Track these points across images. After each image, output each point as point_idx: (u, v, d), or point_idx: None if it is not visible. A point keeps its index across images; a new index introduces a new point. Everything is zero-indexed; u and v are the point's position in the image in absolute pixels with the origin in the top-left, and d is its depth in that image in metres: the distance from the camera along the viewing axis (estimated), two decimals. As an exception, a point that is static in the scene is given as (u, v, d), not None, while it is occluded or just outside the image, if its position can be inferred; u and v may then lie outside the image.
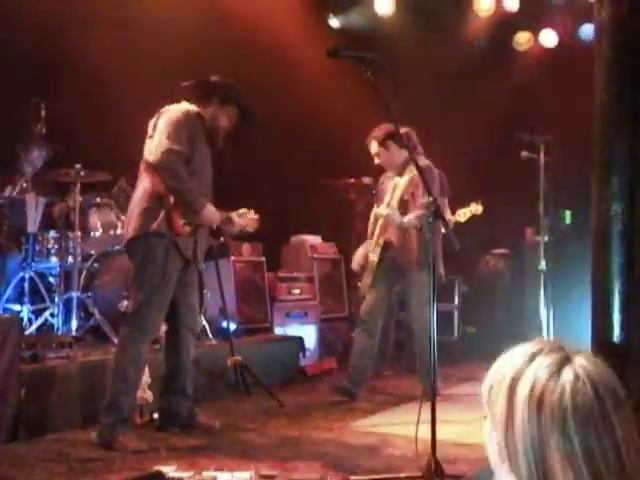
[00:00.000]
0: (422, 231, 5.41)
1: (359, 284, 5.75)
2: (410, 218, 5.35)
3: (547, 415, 1.06)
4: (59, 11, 6.12)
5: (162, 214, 4.13)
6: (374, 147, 5.59)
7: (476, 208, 5.87)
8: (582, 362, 1.09)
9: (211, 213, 4.25)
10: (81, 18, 6.35)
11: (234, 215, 4.48)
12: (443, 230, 5.61)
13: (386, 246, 5.53)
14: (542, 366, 1.09)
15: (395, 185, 5.59)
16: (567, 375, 1.07)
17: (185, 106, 4.33)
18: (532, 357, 1.12)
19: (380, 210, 5.54)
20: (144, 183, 4.23)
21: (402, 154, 5.51)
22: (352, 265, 5.81)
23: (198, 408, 4.62)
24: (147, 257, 4.15)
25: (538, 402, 1.07)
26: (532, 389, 1.08)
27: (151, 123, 4.28)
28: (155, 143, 4.14)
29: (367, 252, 5.65)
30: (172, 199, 4.14)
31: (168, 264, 4.14)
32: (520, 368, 1.12)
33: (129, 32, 6.54)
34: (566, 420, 1.05)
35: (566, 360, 1.09)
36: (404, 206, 5.46)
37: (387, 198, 5.59)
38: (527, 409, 1.08)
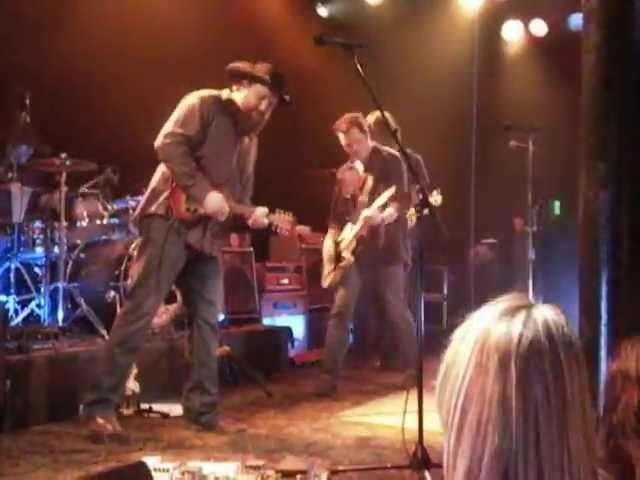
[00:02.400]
0: (398, 222, 5.43)
1: (328, 276, 5.62)
2: (390, 212, 5.32)
3: (490, 347, 1.00)
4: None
5: (164, 196, 4.11)
6: (349, 136, 5.48)
7: (435, 199, 5.60)
8: (540, 309, 1.04)
9: (215, 200, 4.09)
10: (65, 6, 6.29)
11: (258, 209, 4.32)
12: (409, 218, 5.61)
13: (359, 240, 5.48)
14: (500, 307, 1.04)
15: (363, 180, 5.51)
16: (520, 316, 1.01)
17: (209, 91, 4.26)
18: (495, 302, 1.06)
19: (365, 212, 5.42)
20: (160, 165, 4.24)
21: (369, 143, 5.47)
22: (324, 256, 5.70)
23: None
24: (148, 238, 4.14)
25: (484, 336, 1.01)
26: (484, 325, 1.03)
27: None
28: (164, 127, 4.14)
29: (334, 243, 5.57)
30: (174, 183, 4.12)
31: (167, 247, 4.06)
32: (481, 311, 1.06)
33: (113, 19, 6.47)
34: (508, 352, 0.99)
35: (523, 307, 1.03)
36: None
37: (363, 196, 5.50)
38: (471, 350, 1.02)
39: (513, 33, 9.19)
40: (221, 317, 6.18)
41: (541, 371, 0.99)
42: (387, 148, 5.54)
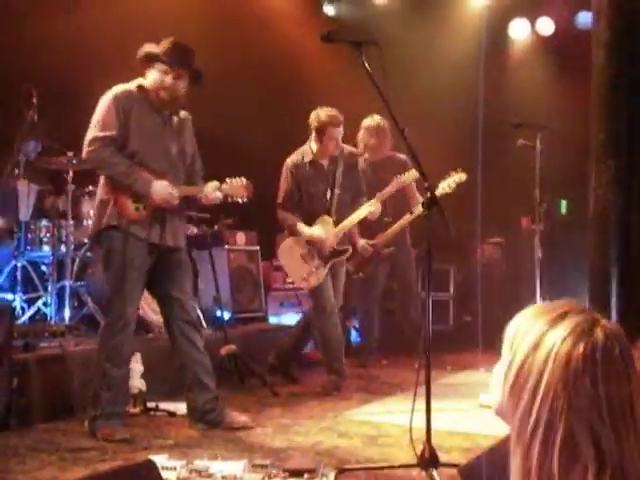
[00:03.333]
0: None
1: (318, 271, 5.46)
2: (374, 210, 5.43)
3: (578, 368, 1.08)
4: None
5: (110, 205, 4.03)
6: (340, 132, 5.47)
7: (459, 176, 5.68)
8: (608, 323, 1.14)
9: (160, 188, 4.03)
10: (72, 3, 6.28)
11: (208, 186, 4.24)
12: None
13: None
14: (573, 322, 1.13)
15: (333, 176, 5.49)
16: (599, 333, 1.11)
17: (119, 86, 4.16)
18: (563, 315, 1.14)
19: (371, 208, 5.44)
20: (101, 177, 4.18)
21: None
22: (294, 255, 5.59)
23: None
24: (109, 251, 4.06)
25: (568, 355, 1.09)
26: (563, 342, 1.11)
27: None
28: (86, 136, 4.06)
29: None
30: (117, 187, 4.02)
31: (129, 254, 3.99)
32: (546, 323, 1.14)
33: (119, 15, 6.46)
34: (596, 372, 1.08)
35: (598, 322, 1.13)
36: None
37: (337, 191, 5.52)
38: (553, 359, 1.10)
39: (520, 31, 9.15)
40: (227, 315, 6.20)
41: (621, 383, 1.09)
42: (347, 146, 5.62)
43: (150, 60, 4.15)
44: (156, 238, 4.09)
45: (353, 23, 8.60)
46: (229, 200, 4.34)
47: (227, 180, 4.29)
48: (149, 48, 4.18)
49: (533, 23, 9.09)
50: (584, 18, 8.48)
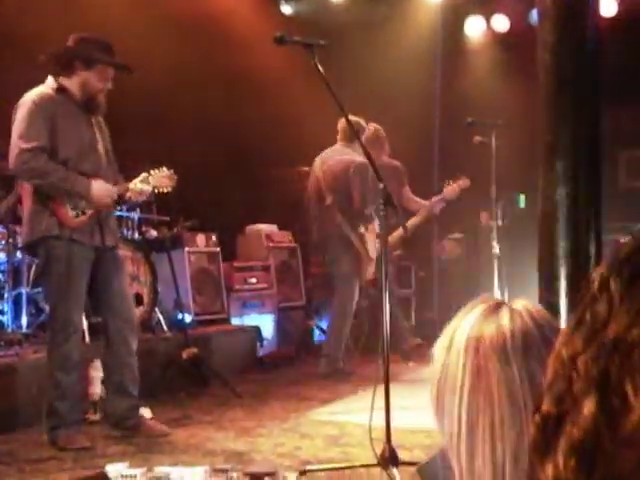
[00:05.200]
0: None
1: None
2: None
3: (486, 348, 1.01)
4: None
5: (47, 214, 3.93)
6: None
7: (463, 182, 5.96)
8: (517, 302, 1.07)
9: (99, 187, 3.97)
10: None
11: (134, 182, 4.19)
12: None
13: None
14: (478, 310, 1.06)
15: None
16: (504, 312, 1.04)
17: (37, 90, 3.98)
18: (470, 309, 1.08)
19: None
20: (27, 186, 4.04)
21: None
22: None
23: (146, 411, 4.36)
24: (49, 259, 3.96)
25: (476, 340, 1.02)
26: (470, 330, 1.04)
27: (12, 120, 3.98)
28: (11, 146, 3.90)
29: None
30: (51, 196, 3.93)
31: (73, 262, 3.93)
32: (458, 320, 1.07)
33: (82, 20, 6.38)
34: (505, 348, 1.00)
35: (501, 304, 1.06)
36: None
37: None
38: (463, 358, 1.03)
39: (475, 28, 9.23)
40: (189, 318, 6.17)
41: (541, 359, 0.98)
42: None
43: (69, 59, 4.02)
44: (98, 241, 4.05)
45: (310, 22, 8.60)
46: (156, 191, 4.31)
47: (151, 172, 4.23)
48: (76, 47, 4.04)
49: (488, 20, 9.17)
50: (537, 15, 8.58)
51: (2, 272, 5.56)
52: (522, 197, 8.97)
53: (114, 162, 4.30)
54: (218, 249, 6.94)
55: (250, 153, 7.90)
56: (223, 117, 7.47)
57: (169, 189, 4.33)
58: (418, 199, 6.61)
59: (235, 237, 7.66)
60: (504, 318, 1.03)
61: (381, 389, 3.41)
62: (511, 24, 9.06)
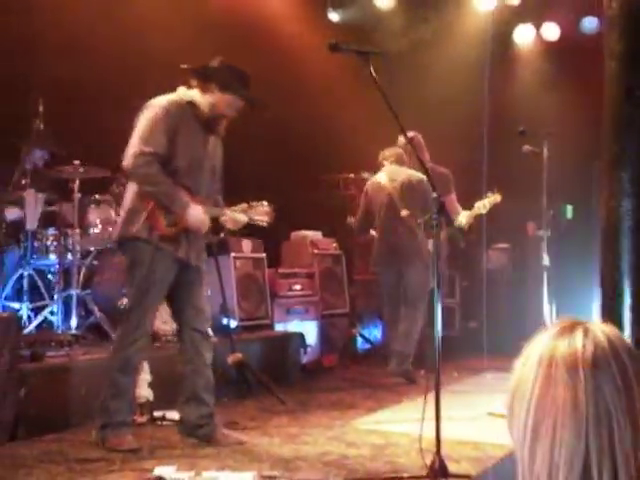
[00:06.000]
0: None
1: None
2: None
3: (557, 360, 1.08)
4: (58, 4, 6.08)
5: (143, 217, 3.96)
6: None
7: (494, 197, 5.93)
8: (594, 324, 1.13)
9: (195, 214, 4.01)
10: (80, 11, 6.29)
11: (234, 210, 4.25)
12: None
13: None
14: (555, 328, 1.14)
15: None
16: (579, 330, 1.11)
17: (169, 98, 4.07)
18: (546, 329, 1.16)
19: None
20: (131, 184, 4.10)
21: None
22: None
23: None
24: (134, 261, 4.01)
25: (549, 353, 1.10)
26: (545, 345, 1.12)
27: (137, 119, 4.05)
28: (130, 145, 3.95)
29: None
30: (151, 200, 3.97)
31: (155, 268, 3.96)
32: (537, 338, 1.15)
33: (128, 25, 6.48)
34: (575, 360, 1.07)
35: (578, 324, 1.13)
36: None
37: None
38: (536, 369, 1.11)
39: (525, 37, 9.15)
40: (233, 323, 6.19)
41: (609, 374, 1.06)
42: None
43: (206, 77, 4.11)
44: (182, 254, 4.06)
45: (358, 30, 8.60)
46: (251, 222, 4.34)
47: (252, 204, 4.29)
48: (218, 70, 4.14)
49: (538, 28, 9.08)
50: (589, 23, 8.48)
51: (53, 273, 5.67)
52: (569, 208, 8.85)
53: (219, 182, 4.35)
54: (263, 255, 6.96)
55: (296, 159, 7.92)
56: (269, 123, 7.50)
57: (265, 224, 4.38)
58: (459, 208, 6.52)
59: (280, 243, 7.67)
60: (578, 335, 1.11)
61: (428, 399, 3.37)
62: (562, 32, 8.96)
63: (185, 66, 4.17)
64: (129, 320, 4.03)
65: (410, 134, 6.17)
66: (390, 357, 6.12)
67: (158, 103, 4.02)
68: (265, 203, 4.34)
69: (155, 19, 6.64)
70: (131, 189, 4.08)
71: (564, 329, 1.12)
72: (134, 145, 3.92)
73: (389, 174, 6.31)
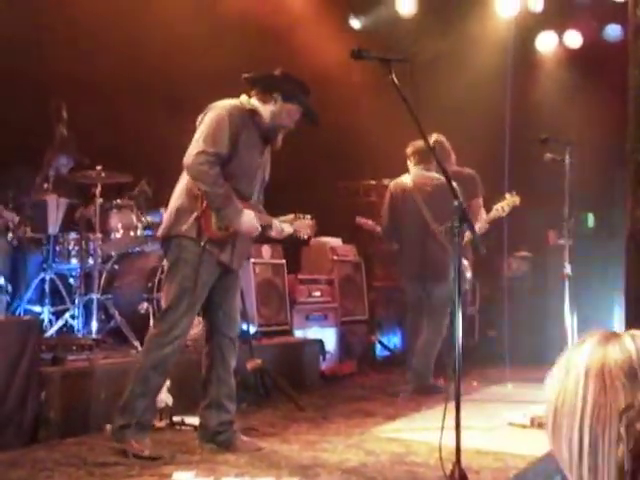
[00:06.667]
0: None
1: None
2: None
3: (611, 368, 1.05)
4: (80, 13, 6.13)
5: (193, 217, 3.95)
6: None
7: (513, 200, 5.85)
8: (635, 332, 1.11)
9: (248, 220, 3.98)
10: (105, 18, 6.34)
11: (283, 221, 4.26)
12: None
13: None
14: (594, 340, 1.10)
15: None
16: (624, 337, 1.09)
17: (233, 102, 4.09)
18: (583, 341, 1.13)
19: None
20: (183, 180, 4.07)
21: None
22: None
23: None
24: (179, 259, 3.97)
25: (599, 363, 1.06)
26: (590, 356, 1.08)
27: (198, 119, 4.07)
28: (192, 143, 3.97)
29: None
30: (205, 202, 3.96)
31: (200, 269, 3.93)
32: (570, 352, 1.12)
33: (152, 34, 6.51)
34: (632, 365, 1.05)
35: (616, 333, 1.11)
36: None
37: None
38: (584, 380, 1.07)
39: (547, 44, 9.10)
40: (253, 329, 6.19)
41: None
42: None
43: (270, 86, 4.12)
44: (227, 259, 4.05)
45: (379, 36, 8.59)
46: (294, 235, 4.35)
47: (297, 216, 4.32)
48: (281, 80, 4.15)
49: (561, 36, 9.03)
50: (613, 31, 8.42)
51: (74, 277, 5.70)
52: (590, 216, 8.78)
53: (262, 192, 4.34)
54: (283, 261, 6.97)
55: (316, 165, 7.93)
56: (289, 131, 7.52)
57: (306, 237, 4.41)
58: (483, 214, 6.41)
59: (300, 249, 7.68)
60: (626, 341, 1.08)
61: (448, 408, 3.34)
62: (584, 40, 8.90)
63: (247, 75, 4.18)
64: (166, 319, 3.98)
65: (433, 137, 6.12)
66: (408, 371, 6.06)
67: (222, 106, 4.04)
68: (309, 216, 4.36)
69: (176, 23, 6.67)
70: (182, 187, 4.05)
71: (607, 337, 1.10)
72: (198, 144, 3.93)
73: (415, 178, 6.16)
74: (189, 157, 3.93)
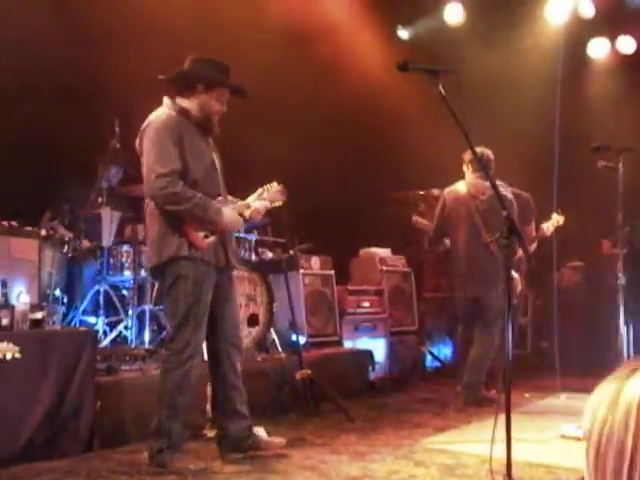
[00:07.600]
0: None
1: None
2: None
3: None
4: (132, 26, 6.26)
5: (177, 235, 3.92)
6: None
7: (557, 220, 5.98)
8: None
9: (229, 216, 4.01)
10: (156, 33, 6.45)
11: (251, 200, 4.25)
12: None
13: None
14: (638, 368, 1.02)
15: None
16: None
17: (162, 113, 4.01)
18: (634, 370, 1.04)
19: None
20: (149, 208, 4.03)
21: None
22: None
23: (260, 430, 4.33)
24: (179, 277, 3.93)
25: None
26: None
27: (137, 142, 4.03)
28: (145, 170, 3.92)
29: None
30: (181, 218, 3.92)
31: (200, 281, 3.94)
32: (617, 382, 1.03)
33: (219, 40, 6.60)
34: None
35: None
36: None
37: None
38: (636, 409, 0.98)
39: (599, 50, 8.96)
40: (302, 340, 6.22)
41: None
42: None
43: (188, 81, 4.08)
44: (223, 261, 4.08)
45: (428, 47, 8.58)
46: (269, 206, 4.34)
47: (264, 187, 4.30)
48: (194, 69, 4.11)
49: (613, 42, 8.89)
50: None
51: (127, 289, 5.81)
52: (645, 225, 8.59)
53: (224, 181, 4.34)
54: (332, 272, 6.99)
55: (366, 176, 7.94)
56: (340, 140, 7.56)
57: (280, 203, 4.39)
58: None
59: (349, 260, 7.70)
60: None
61: (498, 420, 3.31)
62: (638, 45, 8.75)
63: (163, 77, 4.13)
64: (179, 338, 3.93)
65: (478, 150, 6.06)
66: (459, 383, 6.02)
67: (155, 121, 3.98)
68: (275, 183, 4.34)
69: (228, 35, 6.74)
70: (152, 214, 4.00)
71: None
72: (150, 170, 3.89)
73: (470, 186, 6.10)
74: (149, 185, 3.90)
